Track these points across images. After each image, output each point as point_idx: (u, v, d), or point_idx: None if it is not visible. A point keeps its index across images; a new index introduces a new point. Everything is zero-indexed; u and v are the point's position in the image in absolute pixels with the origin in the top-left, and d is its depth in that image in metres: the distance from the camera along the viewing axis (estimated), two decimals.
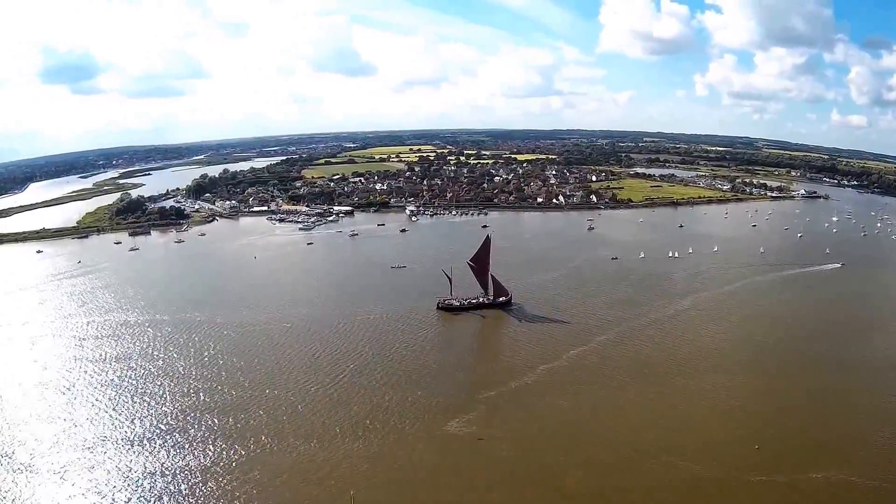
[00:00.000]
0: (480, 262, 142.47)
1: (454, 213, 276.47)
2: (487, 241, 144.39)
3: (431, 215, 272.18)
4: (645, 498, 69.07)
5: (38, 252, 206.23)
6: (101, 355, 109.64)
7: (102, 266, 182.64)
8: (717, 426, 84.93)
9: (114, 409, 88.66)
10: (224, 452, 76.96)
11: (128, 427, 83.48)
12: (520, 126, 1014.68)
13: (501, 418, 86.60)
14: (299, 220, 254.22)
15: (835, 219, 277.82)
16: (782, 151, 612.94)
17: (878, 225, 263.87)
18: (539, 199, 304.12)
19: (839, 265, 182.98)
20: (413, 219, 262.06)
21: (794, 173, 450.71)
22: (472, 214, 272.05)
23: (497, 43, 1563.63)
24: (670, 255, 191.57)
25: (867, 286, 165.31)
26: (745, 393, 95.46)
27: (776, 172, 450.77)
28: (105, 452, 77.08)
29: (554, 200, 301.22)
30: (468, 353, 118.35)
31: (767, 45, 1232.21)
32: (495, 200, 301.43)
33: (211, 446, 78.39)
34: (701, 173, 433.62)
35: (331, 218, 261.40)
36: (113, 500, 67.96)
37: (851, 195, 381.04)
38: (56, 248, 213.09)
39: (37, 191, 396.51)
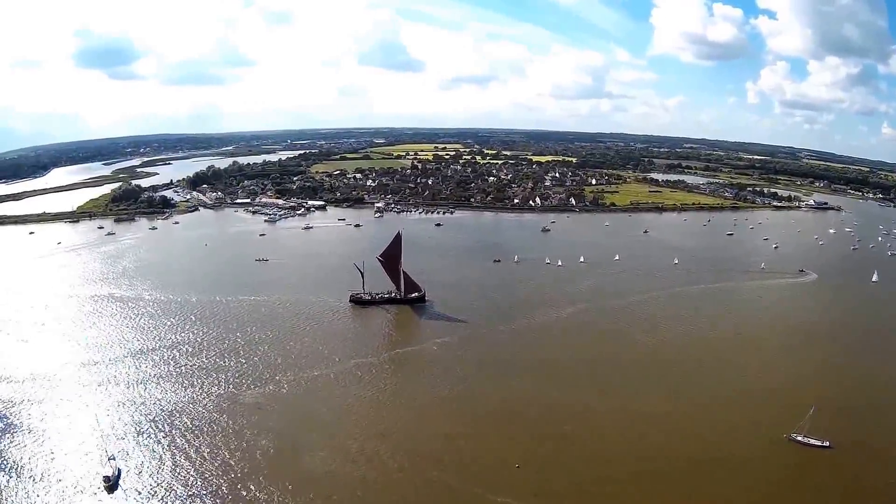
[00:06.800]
0: (391, 259, 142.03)
1: (421, 210, 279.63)
2: (398, 237, 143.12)
3: (398, 212, 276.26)
4: (370, 493, 69.74)
5: (31, 233, 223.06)
6: (31, 320, 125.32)
7: (78, 247, 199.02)
8: (499, 442, 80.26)
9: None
10: (96, 392, 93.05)
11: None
12: (567, 128, 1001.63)
13: (290, 396, 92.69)
14: (270, 212, 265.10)
15: (832, 231, 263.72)
16: (821, 162, 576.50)
17: (879, 239, 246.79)
18: (515, 200, 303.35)
19: (782, 280, 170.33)
20: (377, 215, 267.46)
21: (817, 184, 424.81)
22: (438, 213, 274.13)
23: (546, 42, 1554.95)
24: (548, 262, 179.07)
25: (783, 305, 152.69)
26: (543, 409, 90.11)
27: (798, 183, 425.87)
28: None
29: (531, 202, 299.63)
30: (318, 340, 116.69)
31: (821, 53, 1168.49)
32: (471, 200, 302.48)
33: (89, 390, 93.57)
34: (713, 181, 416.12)
35: (300, 212, 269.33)
36: None
37: (870, 208, 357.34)
38: (47, 230, 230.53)
39: (58, 176, 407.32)
